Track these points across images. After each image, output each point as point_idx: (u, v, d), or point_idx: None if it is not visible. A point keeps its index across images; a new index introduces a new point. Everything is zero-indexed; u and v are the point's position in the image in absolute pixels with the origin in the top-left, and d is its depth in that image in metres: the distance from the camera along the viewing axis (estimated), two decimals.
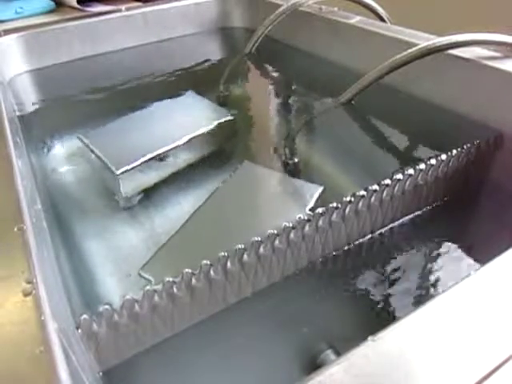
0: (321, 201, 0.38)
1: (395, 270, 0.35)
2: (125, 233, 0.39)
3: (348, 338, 0.30)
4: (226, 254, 0.29)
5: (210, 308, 0.31)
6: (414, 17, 0.60)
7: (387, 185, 0.35)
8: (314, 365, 0.28)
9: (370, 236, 0.37)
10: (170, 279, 0.28)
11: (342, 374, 0.18)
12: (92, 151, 0.42)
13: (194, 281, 0.29)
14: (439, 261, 0.35)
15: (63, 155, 0.51)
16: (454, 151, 0.38)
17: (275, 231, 0.31)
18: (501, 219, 0.39)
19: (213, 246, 0.34)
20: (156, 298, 0.28)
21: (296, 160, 0.46)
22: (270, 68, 0.70)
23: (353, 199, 0.33)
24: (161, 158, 0.42)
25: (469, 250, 0.36)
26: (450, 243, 0.37)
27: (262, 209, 0.39)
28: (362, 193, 0.34)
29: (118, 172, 0.39)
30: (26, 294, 0.22)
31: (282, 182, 0.42)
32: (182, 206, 0.42)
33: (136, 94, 0.64)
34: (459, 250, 0.36)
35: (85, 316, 0.26)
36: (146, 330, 0.29)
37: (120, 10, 0.75)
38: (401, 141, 0.48)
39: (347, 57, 0.61)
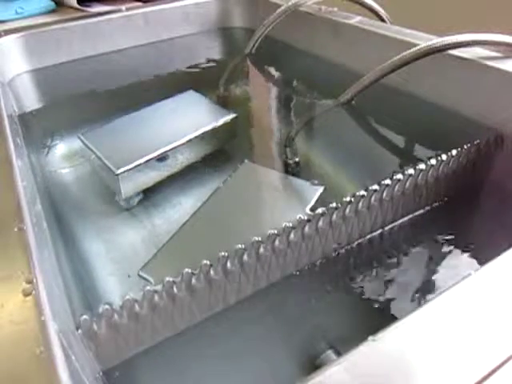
0: (321, 201, 0.38)
1: (395, 270, 0.35)
2: (125, 233, 0.39)
3: (348, 338, 0.30)
4: (225, 253, 0.29)
5: (210, 308, 0.31)
6: (414, 17, 0.60)
7: (387, 185, 0.35)
8: (314, 365, 0.28)
9: (370, 236, 0.37)
10: (170, 279, 0.28)
11: (343, 373, 0.18)
12: (92, 151, 0.42)
13: (194, 281, 0.29)
14: (439, 261, 0.35)
15: (63, 155, 0.51)
16: (454, 151, 0.38)
17: (275, 231, 0.31)
18: (501, 219, 0.39)
19: (213, 246, 0.34)
20: (156, 298, 0.28)
21: (296, 160, 0.46)
22: (270, 68, 0.70)
23: (353, 199, 0.33)
24: (161, 158, 0.42)
25: (469, 250, 0.36)
26: (449, 243, 0.37)
27: (262, 209, 0.39)
28: (362, 193, 0.34)
29: (118, 172, 0.39)
30: (26, 294, 0.22)
31: (282, 181, 0.42)
32: (182, 206, 0.42)
33: (136, 94, 0.64)
34: (459, 250, 0.36)
35: (85, 316, 0.26)
36: (145, 330, 0.29)
37: (120, 10, 0.75)
38: (401, 141, 0.48)
39: (347, 57, 0.61)
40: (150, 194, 0.43)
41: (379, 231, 0.38)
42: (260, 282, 0.33)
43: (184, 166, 0.44)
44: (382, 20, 0.62)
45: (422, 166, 0.36)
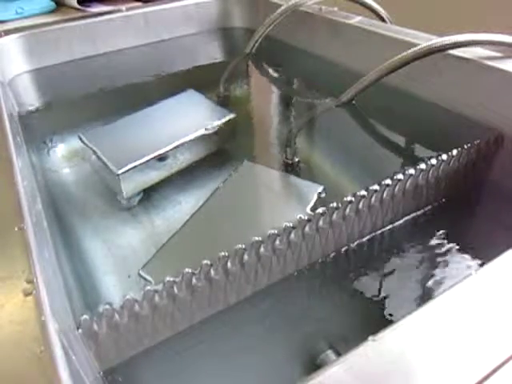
0: (321, 200, 0.38)
1: (395, 270, 0.35)
2: (125, 233, 0.39)
3: (348, 338, 0.30)
4: (226, 253, 0.29)
5: (211, 308, 0.31)
6: (414, 17, 0.60)
7: (388, 185, 0.35)
8: (314, 365, 0.28)
9: (370, 236, 0.37)
10: (171, 279, 0.28)
11: (342, 373, 0.18)
12: (92, 151, 0.42)
13: (194, 281, 0.29)
14: (439, 261, 0.35)
15: (63, 155, 0.51)
16: (455, 151, 0.38)
17: (275, 231, 0.31)
18: (501, 219, 0.39)
19: (213, 245, 0.34)
20: (156, 298, 0.28)
21: (296, 160, 0.46)
22: (270, 68, 0.70)
23: (353, 199, 0.33)
24: (161, 157, 0.42)
25: (469, 250, 0.36)
26: (450, 243, 0.37)
27: (263, 209, 0.39)
28: (363, 193, 0.34)
29: (119, 172, 0.39)
30: (26, 294, 0.22)
31: (283, 181, 0.42)
32: (182, 206, 0.42)
33: (136, 94, 0.64)
34: (459, 250, 0.36)
35: (85, 316, 0.26)
36: (146, 329, 0.29)
37: (120, 10, 0.75)
38: (401, 141, 0.48)
39: (347, 57, 0.61)
40: (151, 194, 0.43)
41: (380, 231, 0.38)
42: (260, 282, 0.33)
43: (184, 166, 0.44)
44: (383, 20, 0.62)
45: (422, 165, 0.36)
